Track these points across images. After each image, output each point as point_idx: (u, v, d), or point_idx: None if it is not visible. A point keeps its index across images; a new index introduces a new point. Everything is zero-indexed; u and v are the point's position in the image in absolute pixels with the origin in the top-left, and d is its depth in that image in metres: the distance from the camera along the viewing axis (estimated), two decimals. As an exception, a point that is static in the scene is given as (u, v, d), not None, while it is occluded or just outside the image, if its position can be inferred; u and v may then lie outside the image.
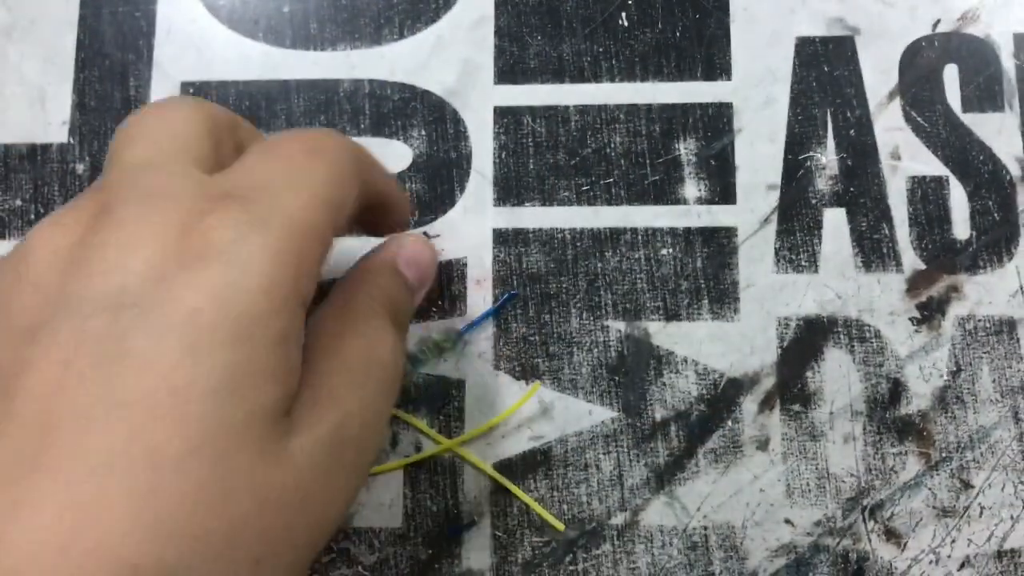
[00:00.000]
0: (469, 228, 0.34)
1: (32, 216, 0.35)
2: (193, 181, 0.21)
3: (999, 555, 0.32)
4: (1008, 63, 0.35)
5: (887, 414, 0.33)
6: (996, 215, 0.34)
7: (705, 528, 0.32)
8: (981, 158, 0.34)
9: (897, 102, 0.35)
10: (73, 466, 0.17)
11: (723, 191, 0.35)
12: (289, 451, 0.19)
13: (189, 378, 0.18)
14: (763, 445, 0.33)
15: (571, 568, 0.32)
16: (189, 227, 0.19)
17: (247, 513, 0.18)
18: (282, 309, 0.19)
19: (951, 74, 0.35)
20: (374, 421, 0.22)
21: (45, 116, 0.36)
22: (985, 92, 0.35)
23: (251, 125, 0.26)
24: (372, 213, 0.26)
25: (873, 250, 0.34)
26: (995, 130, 0.35)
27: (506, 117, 0.35)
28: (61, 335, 0.18)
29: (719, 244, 0.34)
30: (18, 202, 0.35)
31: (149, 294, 0.18)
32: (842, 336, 0.33)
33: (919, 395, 0.33)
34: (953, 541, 0.32)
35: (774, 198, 0.34)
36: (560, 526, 0.31)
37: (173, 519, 0.17)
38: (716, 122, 0.35)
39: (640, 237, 0.34)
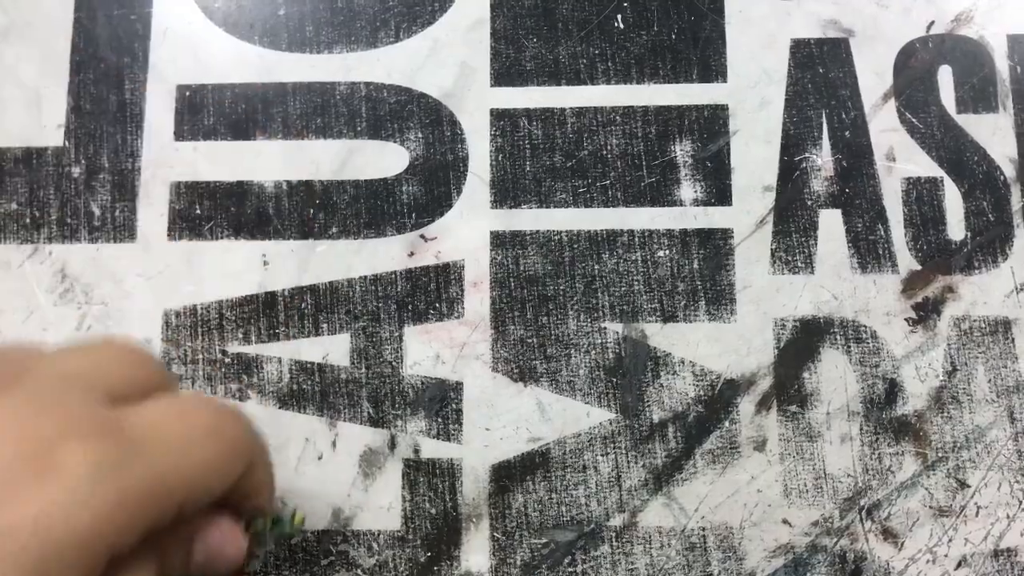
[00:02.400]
0: (466, 230, 0.34)
1: (27, 220, 0.35)
2: (93, 403, 0.21)
3: (995, 554, 0.32)
4: (1002, 64, 0.35)
5: (883, 414, 0.33)
6: (991, 216, 0.34)
7: (703, 529, 0.32)
8: (975, 159, 0.35)
9: (892, 103, 0.35)
10: None
11: (719, 193, 0.35)
12: None
13: None
14: (760, 446, 0.33)
15: (570, 570, 0.32)
16: (53, 441, 0.19)
17: None
18: (91, 558, 0.19)
19: (945, 75, 0.35)
20: None
21: (40, 119, 0.36)
22: (979, 93, 0.35)
23: (172, 376, 0.27)
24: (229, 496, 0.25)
25: (869, 251, 0.34)
26: (989, 131, 0.35)
27: (503, 119, 0.35)
28: None
29: (715, 246, 0.34)
30: (14, 205, 0.35)
31: None
32: (838, 337, 0.33)
33: (915, 395, 0.33)
34: (950, 540, 0.32)
35: (770, 199, 0.35)
36: None
37: None
38: (712, 124, 0.35)
39: (637, 239, 0.34)
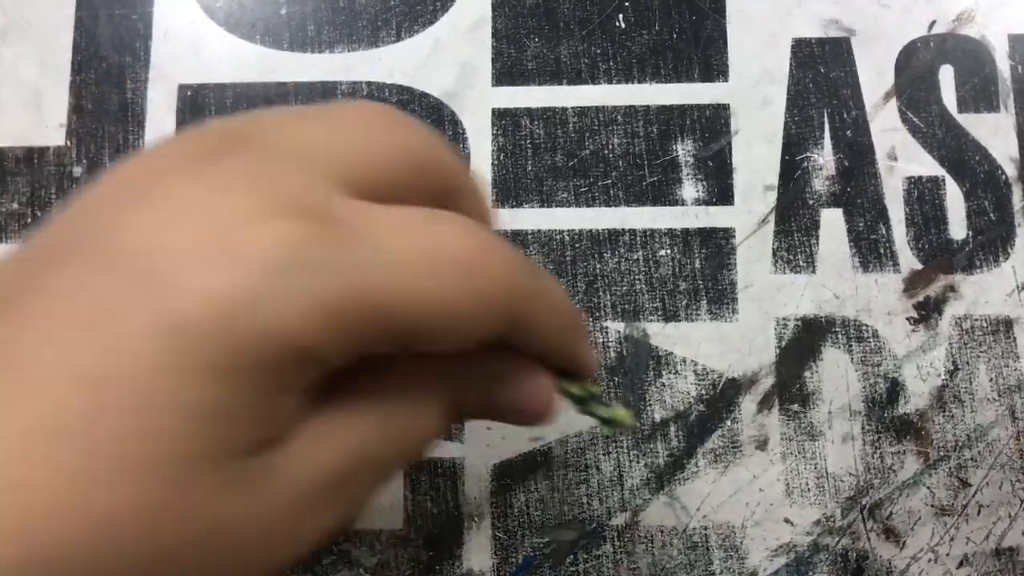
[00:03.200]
0: (468, 230, 0.34)
1: (29, 219, 0.35)
2: (316, 187, 0.17)
3: (997, 553, 0.32)
4: (1003, 64, 0.35)
5: (885, 413, 0.33)
6: (992, 215, 0.34)
7: (705, 528, 0.32)
8: (977, 158, 0.35)
9: (893, 103, 0.35)
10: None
11: (721, 192, 0.35)
12: (260, 486, 0.17)
13: (170, 387, 0.15)
14: (762, 445, 0.33)
15: (572, 569, 0.32)
16: (244, 220, 0.16)
17: (182, 535, 0.16)
18: (294, 362, 0.16)
19: (947, 75, 0.35)
20: (364, 485, 0.20)
21: (41, 119, 0.36)
22: (980, 93, 0.35)
23: (472, 184, 0.21)
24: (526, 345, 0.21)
25: (870, 250, 0.34)
26: (990, 130, 0.35)
27: (504, 119, 0.35)
28: (75, 270, 0.16)
29: (717, 245, 0.34)
30: (15, 205, 0.35)
31: (164, 272, 0.15)
32: (840, 336, 0.33)
33: (917, 394, 0.33)
34: (951, 539, 0.32)
35: (772, 199, 0.35)
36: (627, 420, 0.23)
37: (92, 513, 0.15)
38: (713, 123, 0.35)
39: (638, 238, 0.34)
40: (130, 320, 0.15)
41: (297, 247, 0.16)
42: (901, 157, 0.35)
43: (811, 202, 0.34)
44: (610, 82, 0.36)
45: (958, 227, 0.34)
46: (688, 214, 0.34)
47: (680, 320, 0.34)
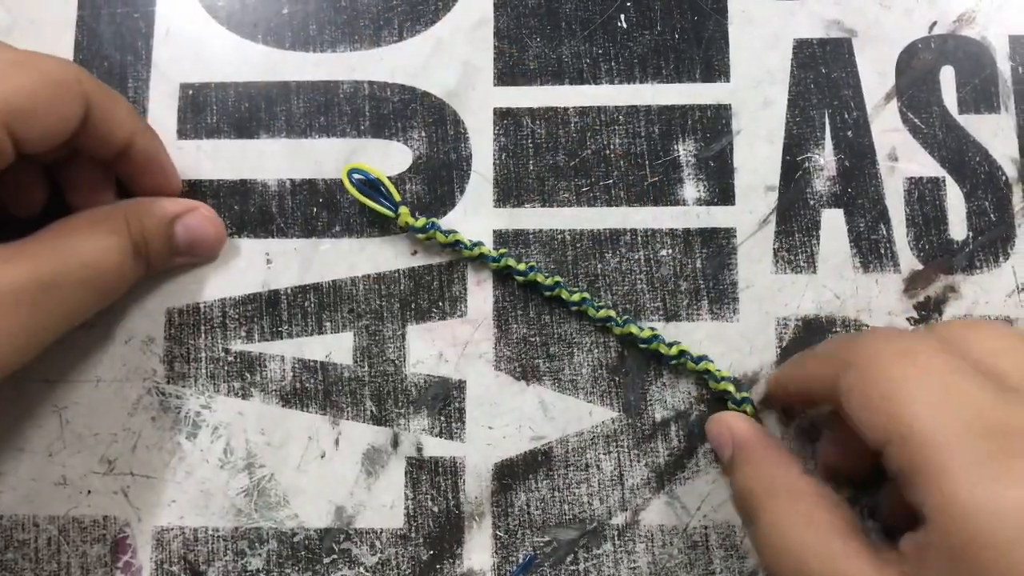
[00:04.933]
0: (469, 229, 0.34)
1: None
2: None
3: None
4: (1004, 65, 0.35)
5: (885, 413, 0.33)
6: (992, 215, 0.34)
7: (705, 527, 0.32)
8: (977, 159, 0.35)
9: (894, 104, 0.35)
10: None
11: (722, 192, 0.35)
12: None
13: None
14: (763, 445, 0.33)
15: (572, 568, 0.32)
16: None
17: None
18: None
19: (947, 76, 0.35)
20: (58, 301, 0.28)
21: (43, 117, 0.36)
22: (981, 94, 0.35)
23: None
24: (126, 167, 0.32)
25: (871, 250, 0.34)
26: (991, 131, 0.35)
27: (506, 119, 0.35)
28: None
29: (718, 245, 0.34)
30: (16, 204, 0.35)
31: None
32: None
33: (917, 394, 0.33)
34: (951, 539, 0.32)
35: (772, 199, 0.35)
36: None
37: None
38: (715, 123, 0.35)
39: (640, 238, 0.34)
40: None
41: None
42: (902, 158, 0.35)
43: (812, 202, 0.34)
44: (612, 82, 0.36)
45: (958, 227, 0.34)
46: (689, 214, 0.35)
47: (681, 320, 0.34)
